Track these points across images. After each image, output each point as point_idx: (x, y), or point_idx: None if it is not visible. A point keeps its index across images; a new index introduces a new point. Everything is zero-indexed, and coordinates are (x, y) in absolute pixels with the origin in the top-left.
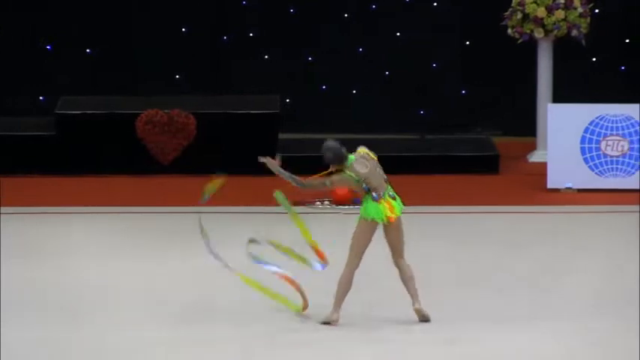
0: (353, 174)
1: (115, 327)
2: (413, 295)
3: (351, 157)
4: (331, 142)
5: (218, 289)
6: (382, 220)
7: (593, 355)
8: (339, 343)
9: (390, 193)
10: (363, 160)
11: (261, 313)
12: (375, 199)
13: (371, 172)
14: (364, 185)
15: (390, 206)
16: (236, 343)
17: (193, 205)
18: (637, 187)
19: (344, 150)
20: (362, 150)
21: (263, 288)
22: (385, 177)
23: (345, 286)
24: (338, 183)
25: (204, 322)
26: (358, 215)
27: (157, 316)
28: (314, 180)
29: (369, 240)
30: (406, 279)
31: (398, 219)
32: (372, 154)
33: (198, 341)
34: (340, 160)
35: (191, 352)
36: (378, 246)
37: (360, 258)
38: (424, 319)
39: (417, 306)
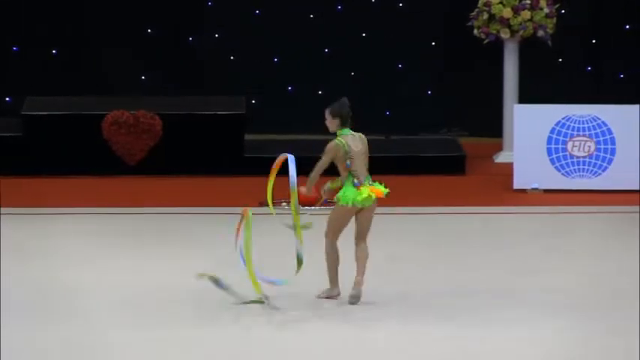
0: (344, 142)
1: (85, 328)
2: (359, 269)
3: (348, 130)
4: (346, 101)
5: (190, 288)
6: (359, 202)
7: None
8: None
9: (370, 181)
10: (355, 140)
11: (240, 311)
12: (355, 186)
13: (357, 154)
14: (348, 162)
15: (372, 189)
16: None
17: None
18: (603, 188)
19: (351, 115)
20: (361, 135)
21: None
22: (366, 167)
23: (332, 262)
24: (329, 150)
25: (180, 319)
26: (333, 208)
27: (131, 316)
28: (316, 169)
29: (345, 224)
30: (360, 257)
31: (374, 204)
32: (361, 144)
33: (171, 340)
34: (343, 119)
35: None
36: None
37: (337, 236)
38: (355, 294)
39: (359, 278)
